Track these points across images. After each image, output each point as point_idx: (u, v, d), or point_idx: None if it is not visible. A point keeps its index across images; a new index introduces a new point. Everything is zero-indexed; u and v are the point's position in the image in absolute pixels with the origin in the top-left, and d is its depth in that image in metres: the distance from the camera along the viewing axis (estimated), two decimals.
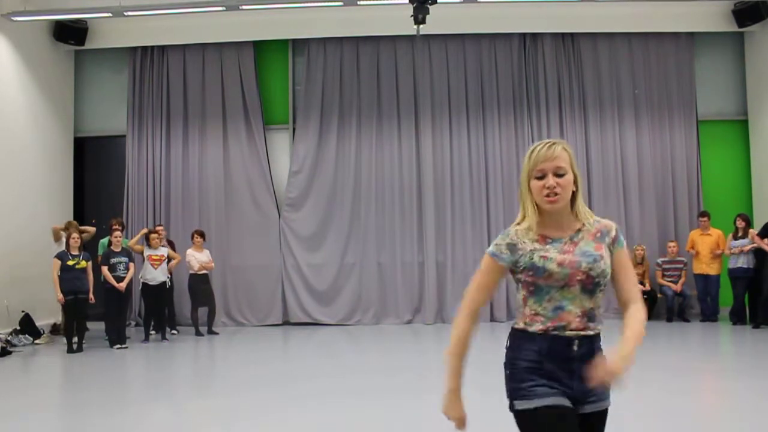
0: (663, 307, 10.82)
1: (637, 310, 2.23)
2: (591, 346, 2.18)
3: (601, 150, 11.35)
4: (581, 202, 2.26)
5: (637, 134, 11.39)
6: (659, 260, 10.84)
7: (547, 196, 2.16)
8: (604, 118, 11.39)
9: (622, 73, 11.46)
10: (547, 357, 2.14)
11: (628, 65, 11.45)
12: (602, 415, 2.22)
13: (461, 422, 2.23)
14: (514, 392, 2.17)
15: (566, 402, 2.13)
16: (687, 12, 10.95)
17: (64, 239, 9.46)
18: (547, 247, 2.19)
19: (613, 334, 2.22)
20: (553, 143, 2.22)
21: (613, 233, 2.26)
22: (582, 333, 2.16)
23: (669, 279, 10.71)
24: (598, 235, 2.25)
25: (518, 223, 2.26)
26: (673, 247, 10.76)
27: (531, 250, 2.19)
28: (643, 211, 11.31)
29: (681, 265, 10.74)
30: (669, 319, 10.55)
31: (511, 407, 2.18)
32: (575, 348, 2.15)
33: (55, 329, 10.21)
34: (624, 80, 11.45)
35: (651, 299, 10.82)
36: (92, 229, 9.96)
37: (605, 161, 11.34)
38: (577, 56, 11.47)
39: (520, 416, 2.15)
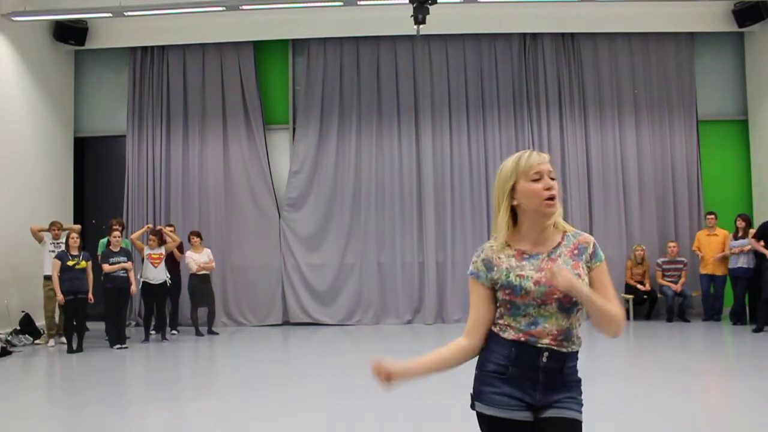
0: (663, 307, 10.83)
1: (616, 306, 2.17)
2: (561, 362, 2.16)
3: (601, 150, 11.34)
4: (560, 217, 2.25)
5: (637, 134, 11.39)
6: (659, 260, 10.84)
7: (548, 198, 2.14)
8: (604, 118, 11.39)
9: (622, 73, 11.46)
10: (514, 363, 2.16)
11: (628, 65, 11.45)
12: (568, 424, 2.16)
13: (386, 378, 2.20)
14: (477, 393, 2.22)
15: (520, 416, 2.16)
16: (687, 12, 10.95)
17: (46, 240, 9.49)
18: (524, 263, 2.18)
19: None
20: (540, 152, 2.23)
21: (591, 249, 2.22)
22: (554, 348, 2.15)
23: (669, 279, 10.71)
24: (576, 252, 2.21)
25: (495, 237, 2.25)
26: (673, 247, 10.76)
27: (507, 268, 2.18)
28: (643, 211, 11.30)
29: (681, 265, 10.74)
30: (669, 319, 10.55)
31: (472, 406, 2.23)
32: (543, 359, 2.14)
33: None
34: (624, 80, 11.45)
35: (651, 299, 10.83)
36: (77, 227, 9.88)
37: (605, 161, 11.34)
38: (577, 56, 11.47)
39: (479, 416, 2.22)
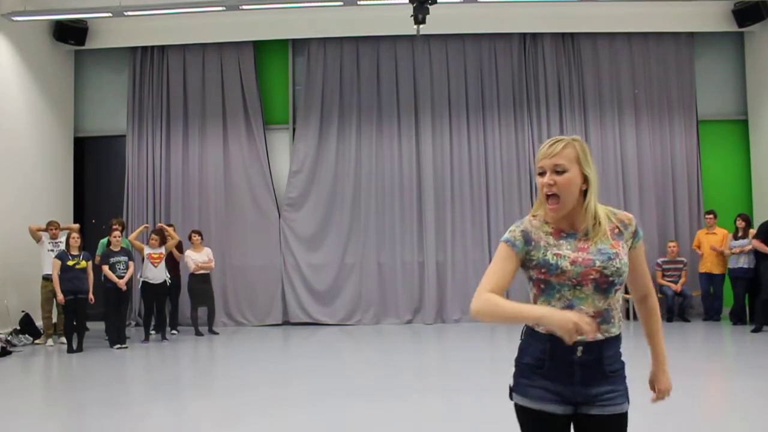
0: (663, 307, 10.80)
1: (655, 310, 2.36)
2: (599, 353, 2.12)
3: (601, 150, 11.34)
4: (594, 202, 2.17)
5: (637, 134, 11.40)
6: (659, 260, 10.84)
7: (546, 196, 2.13)
8: (604, 118, 11.39)
9: (622, 73, 11.46)
10: (550, 357, 2.13)
11: (628, 65, 11.45)
12: (615, 419, 2.17)
13: (584, 319, 1.95)
14: (515, 385, 2.22)
15: (558, 409, 2.14)
16: (687, 12, 10.95)
17: (44, 239, 9.49)
18: (561, 242, 2.14)
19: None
20: (559, 140, 2.15)
21: (633, 227, 2.21)
22: (589, 339, 2.08)
23: (669, 279, 10.72)
24: (617, 231, 2.19)
25: (534, 215, 2.23)
26: (673, 247, 10.77)
27: (545, 246, 2.14)
28: (643, 211, 11.30)
29: (681, 265, 10.75)
30: (669, 319, 10.55)
31: (510, 397, 2.24)
32: (578, 354, 2.10)
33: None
34: (624, 80, 11.45)
35: None
36: (75, 226, 9.88)
37: (605, 161, 11.33)
38: (577, 56, 11.47)
39: (516, 408, 2.23)
